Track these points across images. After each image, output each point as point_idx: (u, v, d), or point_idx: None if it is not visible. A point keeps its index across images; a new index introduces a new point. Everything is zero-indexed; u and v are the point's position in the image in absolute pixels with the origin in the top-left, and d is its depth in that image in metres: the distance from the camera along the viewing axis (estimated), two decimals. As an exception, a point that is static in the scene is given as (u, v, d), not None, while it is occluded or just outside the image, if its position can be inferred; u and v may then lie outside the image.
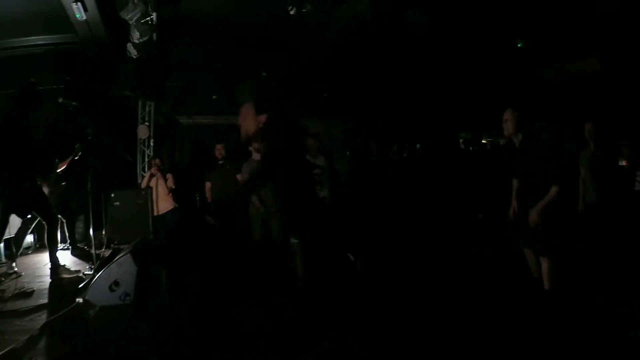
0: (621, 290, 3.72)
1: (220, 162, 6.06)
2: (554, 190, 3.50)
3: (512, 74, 7.64)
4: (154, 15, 5.78)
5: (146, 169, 7.01)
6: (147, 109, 7.40)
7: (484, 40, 6.84)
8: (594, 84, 7.02)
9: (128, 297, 3.89)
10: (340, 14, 5.95)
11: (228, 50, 7.06)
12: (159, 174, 6.02)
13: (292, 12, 5.84)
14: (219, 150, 6.05)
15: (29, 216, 4.75)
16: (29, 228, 5.26)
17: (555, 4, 5.84)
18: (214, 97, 8.09)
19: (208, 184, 6.03)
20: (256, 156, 5.37)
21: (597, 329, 3.17)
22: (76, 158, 5.36)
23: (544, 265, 3.62)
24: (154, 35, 6.16)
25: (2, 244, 5.13)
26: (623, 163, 5.52)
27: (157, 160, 6.34)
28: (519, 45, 6.73)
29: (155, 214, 6.02)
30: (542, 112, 6.47)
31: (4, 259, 5.25)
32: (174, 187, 6.04)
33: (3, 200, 4.22)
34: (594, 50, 6.88)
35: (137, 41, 5.92)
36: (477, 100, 8.36)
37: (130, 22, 5.44)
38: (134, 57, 6.18)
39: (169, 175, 6.13)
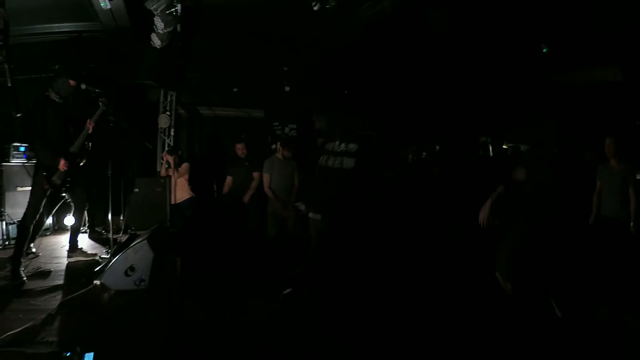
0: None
1: (242, 157, 6.15)
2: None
3: (534, 79, 7.55)
4: (178, 6, 5.86)
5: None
6: (168, 99, 7.49)
7: (507, 43, 6.79)
8: (615, 93, 6.94)
9: (143, 283, 3.99)
10: (362, 11, 5.95)
11: (250, 43, 7.11)
12: (172, 163, 6.09)
13: (315, 8, 5.85)
14: (241, 149, 6.13)
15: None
16: (52, 211, 5.40)
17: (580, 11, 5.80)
18: (235, 89, 8.17)
19: (229, 178, 6.14)
20: (279, 155, 5.68)
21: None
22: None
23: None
24: (178, 26, 6.23)
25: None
26: None
27: (179, 152, 6.44)
28: (544, 51, 6.64)
29: (172, 202, 6.10)
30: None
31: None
32: (187, 176, 6.14)
33: (47, 178, 4.29)
34: (617, 59, 6.80)
35: (161, 31, 5.98)
36: (500, 102, 8.28)
37: (155, 13, 5.51)
38: (158, 47, 6.24)
39: (184, 165, 6.19)
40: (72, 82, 4.46)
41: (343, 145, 3.63)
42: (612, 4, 5.55)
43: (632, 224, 4.50)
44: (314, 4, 5.81)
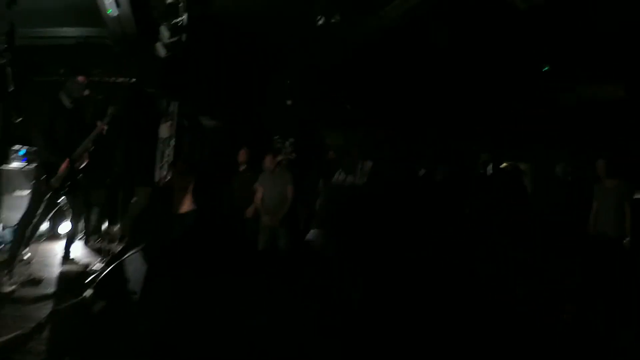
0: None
1: (243, 167, 5.97)
2: None
3: (536, 97, 7.58)
4: (184, 16, 5.90)
5: (165, 168, 6.96)
6: (170, 108, 7.44)
7: (508, 61, 6.81)
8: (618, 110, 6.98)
9: (135, 295, 3.86)
10: (365, 25, 5.97)
11: (252, 54, 7.10)
12: (177, 174, 5.92)
13: (320, 23, 5.89)
14: (242, 155, 5.95)
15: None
16: (48, 215, 5.32)
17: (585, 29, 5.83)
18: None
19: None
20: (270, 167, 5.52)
21: None
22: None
23: None
24: (184, 36, 6.25)
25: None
26: None
27: (180, 163, 6.33)
28: (544, 69, 6.69)
29: (173, 213, 5.92)
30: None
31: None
32: (191, 187, 5.94)
33: (46, 180, 4.24)
34: (621, 77, 6.83)
35: (166, 41, 6.02)
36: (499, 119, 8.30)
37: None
38: (162, 56, 6.25)
39: (187, 176, 5.87)
40: (81, 79, 4.45)
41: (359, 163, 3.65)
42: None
43: (626, 240, 4.62)
44: (319, 18, 5.87)
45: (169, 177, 6.13)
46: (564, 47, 6.25)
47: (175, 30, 6.13)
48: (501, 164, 7.98)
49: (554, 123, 7.26)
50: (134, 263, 3.95)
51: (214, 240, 5.36)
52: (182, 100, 7.34)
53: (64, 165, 4.26)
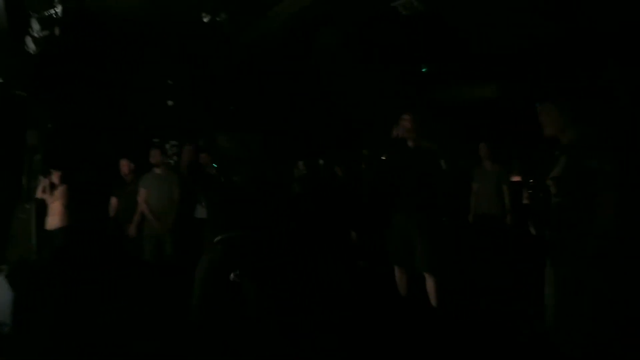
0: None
1: (128, 176, 5.54)
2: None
3: (415, 96, 8.07)
4: (59, 8, 5.43)
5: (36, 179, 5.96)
6: (40, 112, 6.63)
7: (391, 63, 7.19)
8: (492, 108, 7.69)
9: (5, 327, 3.51)
10: (255, 27, 5.92)
11: (132, 53, 6.61)
12: (49, 187, 5.44)
13: (205, 20, 5.73)
14: (125, 166, 5.51)
15: None
16: None
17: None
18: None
19: (114, 200, 5.52)
20: (157, 170, 5.17)
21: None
22: None
23: (429, 282, 3.87)
24: (57, 29, 5.76)
25: None
26: (516, 179, 6.13)
27: (56, 173, 5.59)
28: (423, 70, 7.14)
29: (44, 230, 5.43)
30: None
31: None
32: (65, 201, 5.44)
33: None
34: (494, 78, 7.51)
35: (37, 35, 5.52)
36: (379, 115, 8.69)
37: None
38: (32, 52, 5.73)
39: (61, 187, 5.49)
40: None
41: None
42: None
43: (508, 216, 5.13)
44: (204, 15, 5.71)
45: (39, 190, 5.50)
46: (441, 50, 6.69)
47: (47, 22, 5.65)
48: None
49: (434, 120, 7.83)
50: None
51: (88, 260, 5.07)
52: (54, 102, 6.69)
53: None
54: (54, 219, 5.34)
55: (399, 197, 4.04)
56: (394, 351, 3.25)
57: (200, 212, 5.32)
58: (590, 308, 2.25)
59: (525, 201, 6.39)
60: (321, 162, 7.53)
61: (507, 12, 5.74)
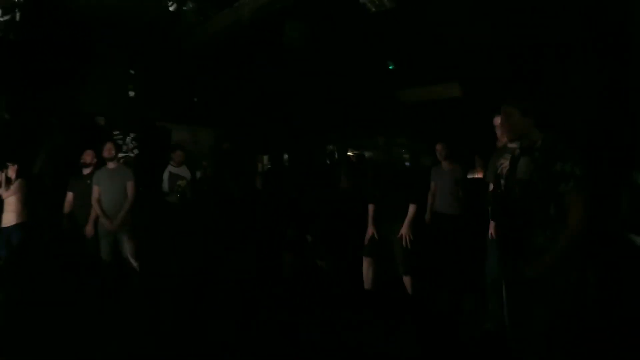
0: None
1: (86, 169, 5.12)
2: (412, 208, 3.98)
3: (379, 93, 8.17)
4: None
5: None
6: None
7: (355, 58, 7.28)
8: (454, 107, 7.90)
9: None
10: (221, 17, 5.82)
11: (96, 40, 6.35)
12: (4, 181, 4.97)
13: (171, 8, 5.61)
14: (88, 156, 5.10)
15: None
16: None
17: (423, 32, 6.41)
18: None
19: (70, 195, 5.12)
20: (110, 165, 4.90)
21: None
22: None
23: (407, 282, 4.07)
24: (17, 15, 5.47)
25: None
26: (478, 175, 6.28)
27: (12, 166, 5.16)
28: (390, 67, 7.22)
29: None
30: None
31: None
32: (21, 196, 5.02)
33: None
34: (456, 77, 7.70)
35: (-3, 18, 5.25)
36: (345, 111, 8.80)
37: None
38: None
39: (17, 181, 5.08)
40: None
41: None
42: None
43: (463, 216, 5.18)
44: (170, 3, 5.58)
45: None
46: (407, 48, 6.81)
47: (8, 7, 5.38)
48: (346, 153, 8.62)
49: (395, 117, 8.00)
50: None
51: (43, 258, 4.85)
52: (10, 90, 6.18)
53: None
54: (9, 215, 5.02)
55: (379, 197, 4.14)
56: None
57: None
58: (548, 308, 2.32)
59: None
60: (285, 156, 7.54)
61: (474, 11, 5.88)
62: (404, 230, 3.97)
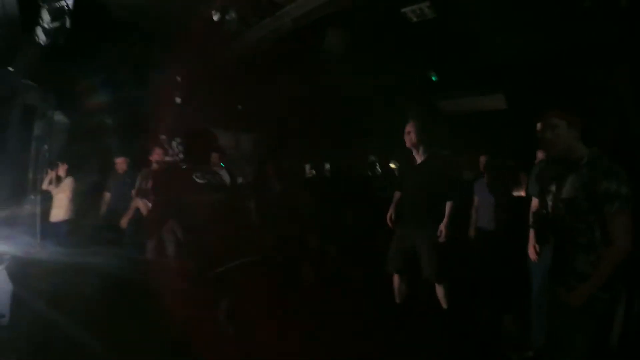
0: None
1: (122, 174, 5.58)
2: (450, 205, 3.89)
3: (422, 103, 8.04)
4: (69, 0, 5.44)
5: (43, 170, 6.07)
6: (47, 103, 6.63)
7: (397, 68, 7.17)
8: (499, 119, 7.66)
9: (3, 318, 3.48)
10: (263, 26, 5.90)
11: (142, 48, 6.60)
12: (55, 179, 5.46)
13: (215, 18, 5.74)
14: (120, 164, 5.57)
15: None
16: None
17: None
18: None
19: (107, 195, 5.54)
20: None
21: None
22: None
23: (439, 291, 3.98)
24: (67, 21, 5.76)
25: None
26: (522, 192, 5.99)
27: (62, 165, 5.64)
28: (433, 79, 7.12)
29: (48, 221, 5.36)
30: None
31: None
32: (69, 194, 5.51)
33: None
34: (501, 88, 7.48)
35: (47, 26, 5.53)
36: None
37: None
38: (42, 43, 5.74)
39: (67, 180, 5.55)
40: None
41: None
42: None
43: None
44: (214, 13, 5.71)
45: (45, 182, 5.50)
46: (450, 58, 6.67)
47: (58, 13, 5.66)
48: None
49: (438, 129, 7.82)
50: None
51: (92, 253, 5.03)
52: (61, 94, 6.66)
53: None
54: (58, 211, 5.38)
55: (405, 209, 4.07)
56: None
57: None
58: (589, 338, 2.17)
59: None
60: (327, 165, 7.54)
61: (516, 22, 5.70)
62: (443, 225, 3.84)
